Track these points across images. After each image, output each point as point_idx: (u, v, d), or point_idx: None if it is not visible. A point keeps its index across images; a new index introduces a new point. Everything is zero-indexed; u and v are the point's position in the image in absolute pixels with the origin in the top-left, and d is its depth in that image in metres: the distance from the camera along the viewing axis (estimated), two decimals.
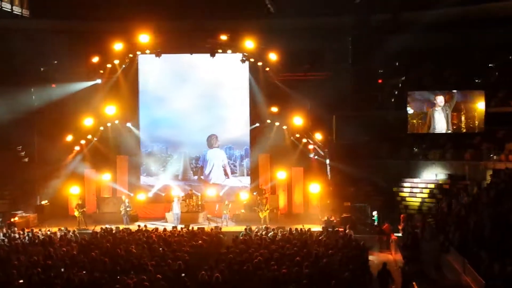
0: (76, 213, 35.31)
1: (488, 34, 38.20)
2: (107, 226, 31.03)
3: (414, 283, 21.48)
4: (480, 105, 37.65)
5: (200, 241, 25.57)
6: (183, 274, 20.01)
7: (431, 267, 25.69)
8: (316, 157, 39.16)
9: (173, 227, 31.57)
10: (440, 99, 38.04)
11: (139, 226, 30.83)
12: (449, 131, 38.14)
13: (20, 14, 41.58)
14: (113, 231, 29.08)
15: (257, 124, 40.04)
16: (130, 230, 29.88)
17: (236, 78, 39.97)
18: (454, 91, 38.02)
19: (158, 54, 38.57)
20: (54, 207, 38.45)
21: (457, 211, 31.14)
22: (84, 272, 20.27)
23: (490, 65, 40.46)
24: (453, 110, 37.96)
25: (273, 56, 38.15)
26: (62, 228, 30.52)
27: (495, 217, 27.21)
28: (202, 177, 40.40)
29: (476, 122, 37.84)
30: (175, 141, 40.23)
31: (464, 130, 38.15)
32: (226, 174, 40.41)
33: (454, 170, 37.28)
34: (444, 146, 38.86)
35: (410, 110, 38.37)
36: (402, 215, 31.35)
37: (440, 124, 38.12)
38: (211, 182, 40.22)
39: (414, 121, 38.60)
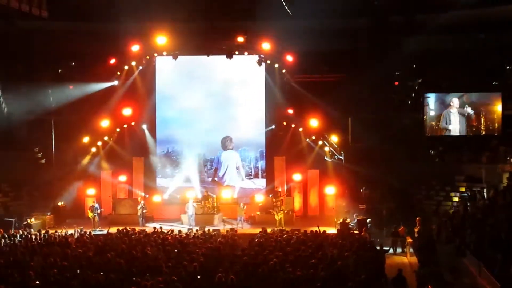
0: (90, 215, 35.44)
1: (505, 36, 38.04)
2: (128, 227, 31.22)
3: (429, 286, 21.42)
4: (497, 108, 37.54)
5: (215, 243, 25.58)
6: (198, 276, 20.03)
7: (447, 270, 25.60)
8: (332, 159, 39.13)
9: (189, 229, 31.64)
10: (456, 101, 37.95)
11: (154, 228, 30.90)
12: (469, 134, 38.07)
13: (38, 15, 41.78)
14: (129, 233, 29.13)
15: (273, 126, 40.07)
16: (146, 231, 29.93)
17: (252, 79, 40.00)
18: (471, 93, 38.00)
19: (175, 56, 38.64)
20: (70, 209, 38.62)
21: (473, 214, 31.05)
22: (100, 273, 20.32)
23: (508, 67, 40.26)
24: (476, 112, 37.96)
25: (289, 58, 38.15)
26: (78, 229, 30.65)
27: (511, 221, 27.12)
28: (216, 179, 40.46)
29: (496, 125, 37.75)
30: (190, 143, 40.22)
31: (484, 133, 38.03)
32: (240, 176, 40.38)
33: (471, 172, 37.11)
34: (461, 148, 38.72)
35: (431, 112, 38.31)
36: (417, 218, 31.19)
37: (456, 126, 38.03)
38: (225, 184, 40.25)
39: (433, 123, 38.52)
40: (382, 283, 21.03)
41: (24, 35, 39.76)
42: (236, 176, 40.43)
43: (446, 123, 38.18)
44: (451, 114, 38.03)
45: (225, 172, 40.44)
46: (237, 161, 40.36)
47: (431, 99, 38.42)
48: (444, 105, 38.24)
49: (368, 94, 39.16)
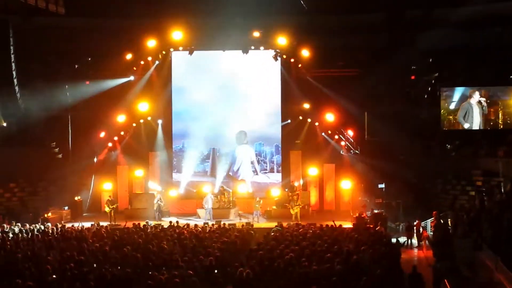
0: (107, 209, 35.61)
1: None
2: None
3: (446, 280, 21.37)
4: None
5: (231, 238, 25.62)
6: (215, 271, 20.09)
7: (463, 265, 25.53)
8: (348, 154, 39.12)
9: (205, 223, 31.70)
10: (476, 95, 37.84)
11: (170, 222, 31.00)
12: (487, 128, 37.95)
13: (55, 12, 41.91)
14: (146, 227, 29.23)
15: (289, 121, 40.08)
16: (162, 226, 30.03)
17: (268, 74, 40.03)
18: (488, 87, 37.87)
19: (190, 51, 38.74)
20: (87, 203, 38.82)
21: (490, 208, 30.93)
22: (116, 267, 20.40)
23: None
24: (490, 106, 37.78)
25: (305, 53, 38.17)
26: (95, 224, 30.79)
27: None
28: (230, 173, 40.52)
29: None
30: (205, 138, 40.38)
31: (502, 127, 37.87)
32: (254, 170, 40.43)
33: (487, 167, 36.97)
34: (478, 142, 38.58)
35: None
36: (434, 212, 31.10)
37: (476, 120, 37.92)
38: (240, 179, 40.35)
39: (451, 117, 38.41)
40: (398, 278, 20.99)
41: (41, 32, 39.90)
42: (251, 171, 40.49)
43: (464, 117, 38.02)
44: (473, 107, 37.86)
45: (239, 167, 40.50)
46: (252, 155, 40.41)
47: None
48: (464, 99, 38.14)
49: (384, 88, 39.04)
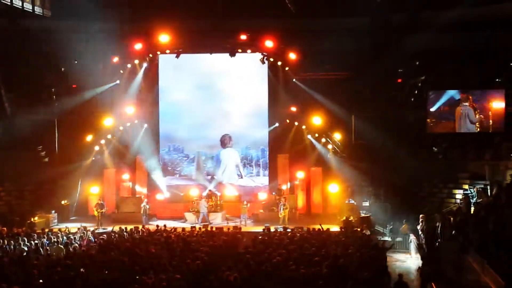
0: (96, 213, 35.51)
1: (508, 33, 37.99)
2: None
3: (432, 283, 21.43)
4: (500, 105, 37.56)
5: (218, 241, 25.59)
6: (201, 274, 20.07)
7: (450, 268, 25.60)
8: (335, 157, 39.16)
9: (192, 227, 31.62)
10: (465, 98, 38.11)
11: (157, 226, 30.95)
12: (476, 131, 38.15)
13: (41, 14, 41.82)
14: (132, 231, 29.16)
15: (277, 124, 40.02)
16: (149, 230, 29.97)
17: (255, 77, 39.98)
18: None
19: (177, 54, 38.69)
20: (74, 207, 38.67)
21: (477, 212, 31.05)
22: (103, 271, 20.34)
23: (511, 64, 40.23)
24: (479, 109, 37.99)
25: (292, 56, 38.21)
26: (82, 228, 30.66)
27: None
28: (215, 177, 40.44)
29: (500, 122, 37.81)
30: (191, 141, 40.36)
31: (491, 130, 38.06)
32: (239, 174, 40.41)
33: (474, 170, 37.10)
34: (464, 146, 38.71)
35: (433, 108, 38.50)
36: (421, 215, 31.18)
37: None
38: (224, 182, 40.26)
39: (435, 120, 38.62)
40: (385, 280, 21.03)
41: (27, 34, 39.81)
42: (235, 174, 40.45)
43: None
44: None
45: (224, 170, 40.45)
46: (236, 159, 40.37)
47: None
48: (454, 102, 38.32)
49: (371, 92, 39.19)
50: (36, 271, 19.94)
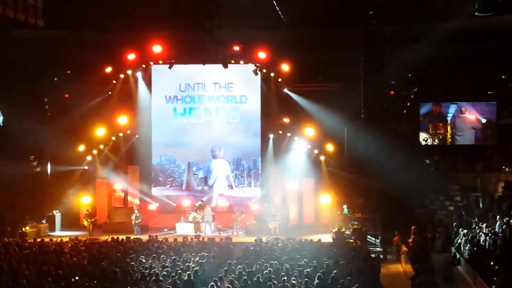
0: (85, 223, 35.46)
1: (500, 45, 38.09)
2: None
3: None
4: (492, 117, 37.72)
5: (210, 252, 25.55)
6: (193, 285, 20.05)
7: (442, 279, 25.65)
8: (327, 168, 39.17)
9: (184, 237, 31.55)
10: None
11: (150, 236, 30.90)
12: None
13: (34, 24, 41.75)
14: (124, 241, 29.10)
15: (271, 135, 39.95)
16: (141, 240, 29.92)
17: (247, 88, 40.02)
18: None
19: (170, 65, 38.70)
20: (65, 217, 38.52)
21: (469, 223, 31.09)
22: (94, 282, 20.30)
23: (503, 76, 40.33)
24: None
25: (285, 67, 38.26)
26: (73, 238, 30.58)
27: (507, 230, 27.16)
28: (206, 187, 40.39)
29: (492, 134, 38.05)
30: (183, 151, 40.33)
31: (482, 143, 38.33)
32: (230, 185, 40.36)
33: (466, 181, 37.18)
34: (456, 157, 38.80)
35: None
36: (412, 227, 31.21)
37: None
38: (215, 193, 40.18)
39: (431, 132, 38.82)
40: None
41: (20, 44, 39.70)
42: (226, 185, 40.38)
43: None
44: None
45: (214, 181, 40.39)
46: (227, 169, 40.30)
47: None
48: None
49: (363, 103, 39.13)
50: (25, 281, 19.90)
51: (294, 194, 39.26)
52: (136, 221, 35.79)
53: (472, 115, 38.35)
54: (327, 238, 32.51)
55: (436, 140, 38.65)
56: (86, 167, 39.63)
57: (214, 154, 40.33)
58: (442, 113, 38.72)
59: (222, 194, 40.11)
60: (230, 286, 19.03)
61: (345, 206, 36.12)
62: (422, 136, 38.92)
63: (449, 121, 38.47)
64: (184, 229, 36.21)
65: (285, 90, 39.32)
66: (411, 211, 36.86)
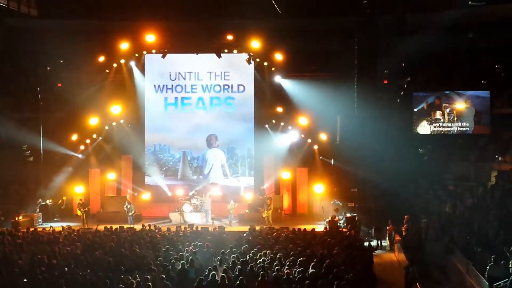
0: (79, 212, 35.41)
1: (494, 35, 38.14)
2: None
3: (418, 284, 21.46)
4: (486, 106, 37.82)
5: (203, 241, 25.52)
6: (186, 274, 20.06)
7: (435, 269, 25.69)
8: (320, 158, 39.14)
9: (177, 227, 31.49)
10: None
11: (143, 225, 30.84)
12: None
13: (27, 13, 41.64)
14: (117, 231, 29.05)
15: (265, 125, 39.87)
16: (135, 229, 29.86)
17: (241, 77, 39.92)
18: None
19: (164, 54, 38.60)
20: (58, 206, 38.44)
21: (462, 213, 31.16)
22: (88, 271, 20.27)
23: (496, 66, 40.39)
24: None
25: (279, 56, 38.18)
26: (66, 227, 30.52)
27: (500, 219, 27.23)
28: (201, 176, 40.32)
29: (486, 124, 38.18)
30: (177, 141, 40.22)
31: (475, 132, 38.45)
32: (225, 174, 40.33)
33: (459, 171, 37.24)
34: (450, 147, 38.84)
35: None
36: (406, 216, 31.23)
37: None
38: (210, 182, 40.09)
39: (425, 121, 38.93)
40: (370, 281, 21.07)
41: (13, 33, 39.62)
42: (221, 174, 40.33)
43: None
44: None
45: (210, 170, 40.34)
46: (222, 159, 40.22)
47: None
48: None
49: (357, 92, 39.11)
50: (19, 270, 19.88)
51: (287, 183, 39.22)
52: (129, 213, 35.67)
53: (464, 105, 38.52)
54: (321, 227, 32.48)
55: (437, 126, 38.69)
56: (80, 156, 39.41)
57: (210, 143, 40.24)
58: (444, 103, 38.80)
59: (218, 183, 40.01)
60: (224, 275, 19.02)
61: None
62: (423, 123, 38.91)
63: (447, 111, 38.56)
64: (177, 218, 36.17)
65: (279, 80, 39.18)
66: (405, 200, 36.87)
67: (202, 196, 37.09)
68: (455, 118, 38.58)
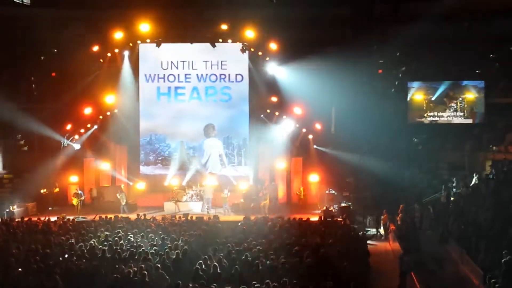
0: (74, 202, 35.37)
1: (489, 25, 38.11)
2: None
3: (412, 273, 21.51)
4: (481, 96, 37.83)
5: (198, 231, 25.51)
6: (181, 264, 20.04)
7: (430, 258, 25.73)
8: (315, 147, 39.16)
9: (172, 216, 31.45)
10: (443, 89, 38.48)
11: (138, 214, 30.82)
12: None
13: (21, 2, 41.47)
14: (112, 220, 29.01)
15: (262, 115, 39.80)
16: (129, 218, 29.84)
17: (236, 67, 39.84)
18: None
19: (158, 44, 38.53)
20: (53, 196, 38.38)
21: (456, 202, 31.19)
22: (83, 260, 20.24)
23: (491, 55, 40.39)
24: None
25: (273, 46, 38.10)
26: (61, 217, 30.48)
27: (494, 208, 27.27)
28: (198, 166, 40.25)
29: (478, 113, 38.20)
30: (174, 130, 40.14)
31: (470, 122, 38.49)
32: (223, 163, 40.29)
33: (454, 160, 37.28)
34: (444, 136, 38.89)
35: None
36: (401, 206, 31.26)
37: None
38: (208, 172, 40.04)
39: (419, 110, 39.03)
40: (365, 270, 21.12)
41: (6, 22, 39.46)
42: (219, 164, 40.27)
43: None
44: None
45: (207, 160, 40.27)
46: (220, 148, 40.18)
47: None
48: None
49: (351, 82, 39.08)
50: (14, 259, 19.85)
51: (282, 173, 39.24)
52: (122, 203, 35.69)
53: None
54: (315, 216, 32.49)
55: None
56: (74, 145, 39.29)
57: (207, 133, 40.16)
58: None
59: (215, 173, 39.96)
60: (218, 264, 19.02)
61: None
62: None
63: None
64: (172, 208, 36.21)
65: (273, 69, 39.10)
66: (399, 190, 36.92)
67: (198, 186, 37.13)
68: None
